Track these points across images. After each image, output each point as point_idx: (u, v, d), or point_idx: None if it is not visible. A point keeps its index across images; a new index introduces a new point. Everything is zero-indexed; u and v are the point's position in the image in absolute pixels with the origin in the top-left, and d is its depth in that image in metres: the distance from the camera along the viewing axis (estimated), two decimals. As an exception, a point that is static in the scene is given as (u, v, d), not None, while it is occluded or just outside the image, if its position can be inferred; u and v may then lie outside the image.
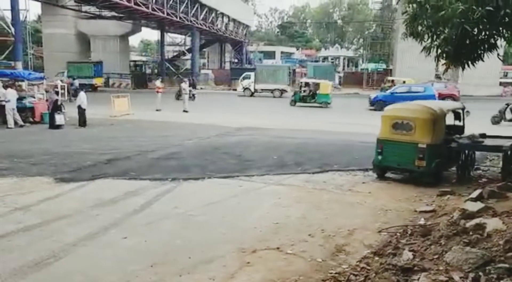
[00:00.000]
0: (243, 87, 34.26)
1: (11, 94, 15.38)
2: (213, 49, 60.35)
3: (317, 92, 25.54)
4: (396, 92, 23.72)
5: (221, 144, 12.32)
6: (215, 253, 4.93)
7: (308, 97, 25.78)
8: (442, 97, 24.37)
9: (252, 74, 34.32)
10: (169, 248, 5.12)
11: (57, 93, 16.87)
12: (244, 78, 34.53)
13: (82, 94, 16.46)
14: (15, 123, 15.36)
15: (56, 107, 15.74)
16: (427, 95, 21.84)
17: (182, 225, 5.92)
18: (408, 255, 4.34)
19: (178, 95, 26.70)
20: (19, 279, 4.31)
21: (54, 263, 4.69)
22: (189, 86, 26.57)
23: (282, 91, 33.11)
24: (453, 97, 25.55)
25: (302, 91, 26.20)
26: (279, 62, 61.84)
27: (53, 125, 15.39)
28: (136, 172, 8.86)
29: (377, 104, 22.97)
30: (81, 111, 16.06)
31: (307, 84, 26.86)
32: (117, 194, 7.27)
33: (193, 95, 26.94)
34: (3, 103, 15.48)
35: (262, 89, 33.52)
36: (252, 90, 33.55)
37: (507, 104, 17.74)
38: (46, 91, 17.96)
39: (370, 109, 23.76)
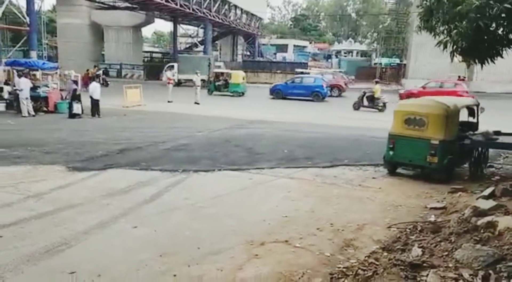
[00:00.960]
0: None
1: (24, 83, 15.56)
2: (226, 42, 60.18)
3: (230, 82, 26.64)
4: (290, 83, 26.54)
5: (231, 136, 12.34)
6: (224, 245, 4.96)
7: (222, 86, 26.75)
8: (331, 86, 27.44)
9: (176, 64, 34.36)
10: (178, 238, 5.16)
11: (75, 83, 17.03)
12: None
13: (93, 85, 16.60)
14: (28, 112, 15.55)
15: (74, 97, 15.96)
16: (316, 85, 25.21)
17: (191, 216, 5.96)
18: (417, 251, 4.31)
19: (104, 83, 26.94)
20: (31, 265, 4.39)
21: (65, 250, 4.76)
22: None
23: (203, 81, 33.26)
24: (338, 87, 28.31)
25: (217, 81, 27.35)
26: (291, 56, 61.58)
27: (71, 114, 15.63)
28: (148, 162, 8.93)
29: (275, 93, 26.07)
30: (93, 101, 16.21)
31: (221, 74, 27.92)
32: (128, 184, 7.33)
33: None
34: (18, 92, 15.70)
35: (185, 80, 33.34)
36: (176, 80, 33.28)
37: (364, 92, 20.70)
38: (64, 77, 18.27)
39: (271, 98, 25.95)
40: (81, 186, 7.30)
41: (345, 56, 67.86)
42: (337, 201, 6.74)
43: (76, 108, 15.77)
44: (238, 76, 26.82)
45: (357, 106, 20.58)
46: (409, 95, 23.88)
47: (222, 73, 28.04)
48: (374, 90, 20.23)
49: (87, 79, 25.47)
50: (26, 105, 15.55)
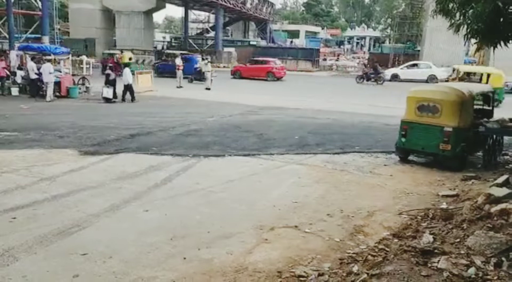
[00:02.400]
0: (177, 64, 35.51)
1: (44, 68, 15.76)
2: (237, 27, 59.74)
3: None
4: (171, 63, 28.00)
5: (242, 122, 12.32)
6: (234, 229, 4.98)
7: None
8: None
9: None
10: (189, 222, 5.19)
11: (110, 68, 17.11)
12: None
13: (124, 71, 16.77)
14: (41, 96, 15.69)
15: (107, 82, 16.14)
16: (189, 65, 26.69)
17: (202, 201, 5.98)
18: (429, 238, 4.28)
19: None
20: (44, 246, 4.46)
21: (77, 232, 4.83)
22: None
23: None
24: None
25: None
26: (303, 42, 60.94)
27: (104, 98, 15.91)
28: (158, 147, 8.97)
29: (156, 70, 27.99)
30: (125, 86, 16.46)
31: (112, 55, 29.48)
32: (139, 168, 7.38)
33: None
34: (34, 76, 15.87)
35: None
36: None
37: (196, 68, 25.06)
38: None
39: (155, 76, 26.62)
40: (93, 170, 7.37)
41: (358, 41, 66.81)
42: (348, 188, 6.71)
43: (106, 92, 15.97)
44: (125, 57, 28.43)
45: (191, 80, 25.02)
46: (237, 70, 29.90)
47: (112, 54, 29.79)
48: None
49: (114, 65, 25.88)
50: (45, 89, 15.76)
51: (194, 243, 4.59)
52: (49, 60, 16.51)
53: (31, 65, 16.32)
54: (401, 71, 30.38)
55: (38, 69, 16.04)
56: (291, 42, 60.37)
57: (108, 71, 16.61)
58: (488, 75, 16.47)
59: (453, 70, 19.34)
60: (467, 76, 17.09)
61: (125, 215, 5.40)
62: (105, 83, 16.19)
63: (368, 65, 27.96)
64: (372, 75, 27.09)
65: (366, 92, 23.06)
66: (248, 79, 28.36)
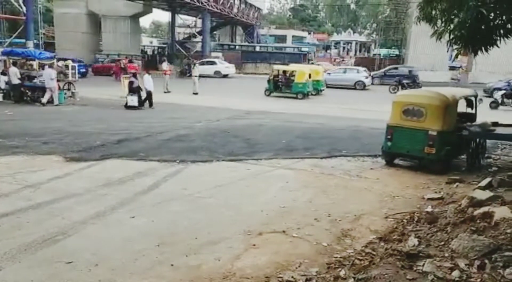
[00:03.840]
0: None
1: (45, 74, 15.78)
2: (224, 32, 59.75)
3: None
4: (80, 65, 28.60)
5: (230, 127, 12.32)
6: (222, 235, 4.97)
7: None
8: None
9: None
10: (176, 228, 5.17)
11: (134, 75, 16.85)
12: None
13: (145, 77, 16.67)
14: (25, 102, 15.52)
15: (131, 90, 15.97)
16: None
17: (189, 206, 5.96)
18: (414, 241, 4.33)
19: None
20: (28, 254, 4.39)
21: (63, 240, 4.77)
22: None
23: None
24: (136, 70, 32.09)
25: None
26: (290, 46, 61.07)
27: (127, 106, 15.76)
28: (145, 153, 8.92)
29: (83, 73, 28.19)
30: (147, 93, 16.43)
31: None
32: (126, 174, 7.33)
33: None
34: (16, 81, 15.69)
35: None
36: None
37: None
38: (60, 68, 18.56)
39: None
40: (78, 176, 7.29)
41: (344, 46, 67.29)
42: (335, 192, 6.75)
43: (131, 100, 15.83)
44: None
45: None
46: (93, 68, 32.10)
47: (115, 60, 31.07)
48: (65, 64, 25.58)
49: (119, 71, 25.78)
50: (47, 93, 15.77)
51: (181, 250, 4.57)
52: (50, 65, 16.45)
53: (13, 70, 16.12)
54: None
55: (21, 74, 15.88)
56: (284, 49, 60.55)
57: (132, 78, 16.34)
58: (293, 71, 21.53)
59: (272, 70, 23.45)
60: (283, 73, 21.98)
61: (112, 222, 5.35)
62: (128, 91, 15.99)
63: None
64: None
65: (186, 85, 24.84)
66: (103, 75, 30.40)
